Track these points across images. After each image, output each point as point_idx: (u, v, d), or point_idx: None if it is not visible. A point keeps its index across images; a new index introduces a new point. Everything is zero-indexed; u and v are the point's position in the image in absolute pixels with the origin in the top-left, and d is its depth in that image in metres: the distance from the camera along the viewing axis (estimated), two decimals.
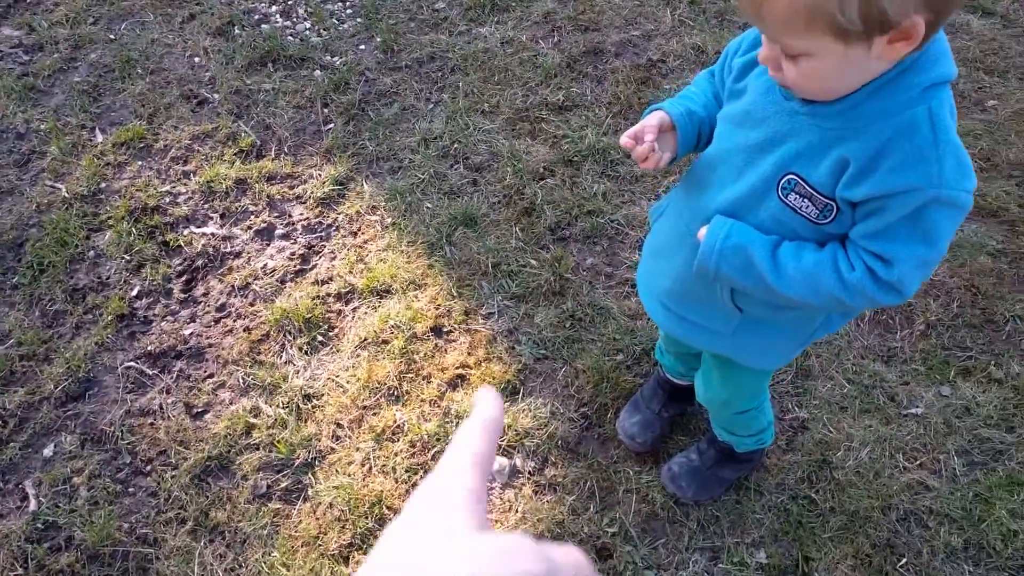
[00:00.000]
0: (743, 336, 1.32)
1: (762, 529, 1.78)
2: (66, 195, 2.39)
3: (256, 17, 3.01)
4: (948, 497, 1.82)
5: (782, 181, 1.08)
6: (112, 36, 2.93)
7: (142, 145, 2.54)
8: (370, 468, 1.84)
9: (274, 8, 3.06)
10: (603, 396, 1.95)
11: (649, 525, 1.78)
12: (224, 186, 2.43)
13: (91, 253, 2.28)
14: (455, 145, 2.54)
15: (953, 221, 1.00)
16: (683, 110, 1.23)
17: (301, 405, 1.96)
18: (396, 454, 1.86)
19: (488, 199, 2.39)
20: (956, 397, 1.99)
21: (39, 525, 1.77)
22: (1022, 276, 2.24)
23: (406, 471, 1.83)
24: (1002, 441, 1.91)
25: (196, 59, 2.83)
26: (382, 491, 1.80)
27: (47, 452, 1.89)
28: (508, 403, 1.94)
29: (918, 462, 1.88)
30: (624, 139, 1.18)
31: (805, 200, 1.07)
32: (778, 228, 1.12)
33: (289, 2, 3.09)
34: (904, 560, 1.73)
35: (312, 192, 2.44)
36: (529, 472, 1.84)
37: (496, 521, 1.76)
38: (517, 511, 1.77)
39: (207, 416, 1.96)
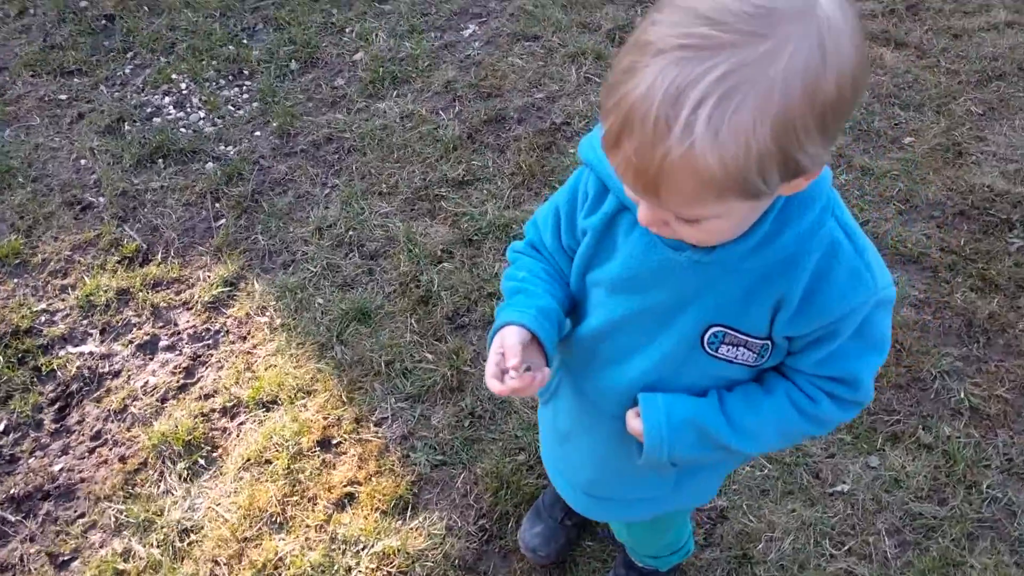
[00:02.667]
0: (684, 487, 1.20)
1: None
2: None
3: (148, 111, 2.90)
4: None
5: (707, 336, 0.96)
6: None
7: (18, 261, 2.40)
8: None
9: (167, 99, 2.95)
10: (503, 504, 1.80)
11: None
12: (105, 298, 2.29)
13: None
14: (350, 232, 2.42)
15: (889, 316, 0.95)
16: (534, 312, 1.02)
17: (177, 543, 1.79)
18: None
19: (383, 288, 2.26)
20: (885, 468, 1.86)
21: None
22: (947, 327, 2.13)
23: None
24: (934, 515, 1.77)
25: (82, 161, 2.71)
26: None
27: None
28: (400, 522, 1.79)
29: (846, 547, 1.74)
30: (495, 385, 0.96)
31: (740, 348, 0.96)
32: (712, 382, 1.02)
33: (184, 91, 2.98)
34: None
35: (200, 296, 2.30)
36: None
37: None
38: None
39: (73, 565, 1.79)
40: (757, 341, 0.95)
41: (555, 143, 2.67)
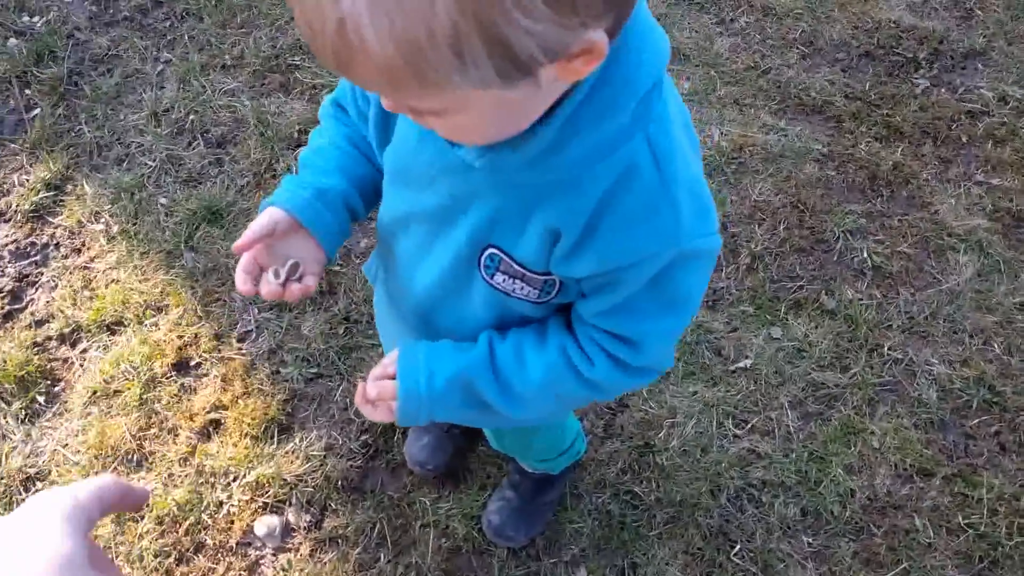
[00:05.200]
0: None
1: (582, 540, 1.55)
2: None
3: None
4: (782, 462, 1.63)
5: (483, 258, 0.77)
6: None
7: None
8: (112, 560, 1.50)
9: None
10: None
11: (453, 563, 1.52)
12: None
13: None
14: (191, 116, 2.07)
15: (704, 272, 0.78)
16: (310, 195, 0.85)
17: (21, 494, 1.58)
18: (142, 536, 1.52)
19: (235, 181, 1.96)
20: (787, 338, 1.78)
21: None
22: (851, 181, 2.01)
23: (155, 556, 1.50)
24: (836, 383, 1.72)
25: None
26: None
27: None
28: (274, 446, 1.62)
29: (749, 425, 1.68)
30: (242, 285, 0.81)
31: (517, 281, 0.77)
32: (501, 314, 0.83)
33: None
34: (737, 547, 1.55)
35: (19, 205, 1.95)
36: (305, 527, 1.54)
37: None
38: None
39: None
40: (537, 276, 0.76)
41: None
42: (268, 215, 0.82)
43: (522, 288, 0.77)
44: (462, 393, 0.83)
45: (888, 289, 1.86)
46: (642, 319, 0.75)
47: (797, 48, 2.25)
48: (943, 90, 2.19)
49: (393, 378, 0.84)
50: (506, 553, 1.53)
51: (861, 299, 1.83)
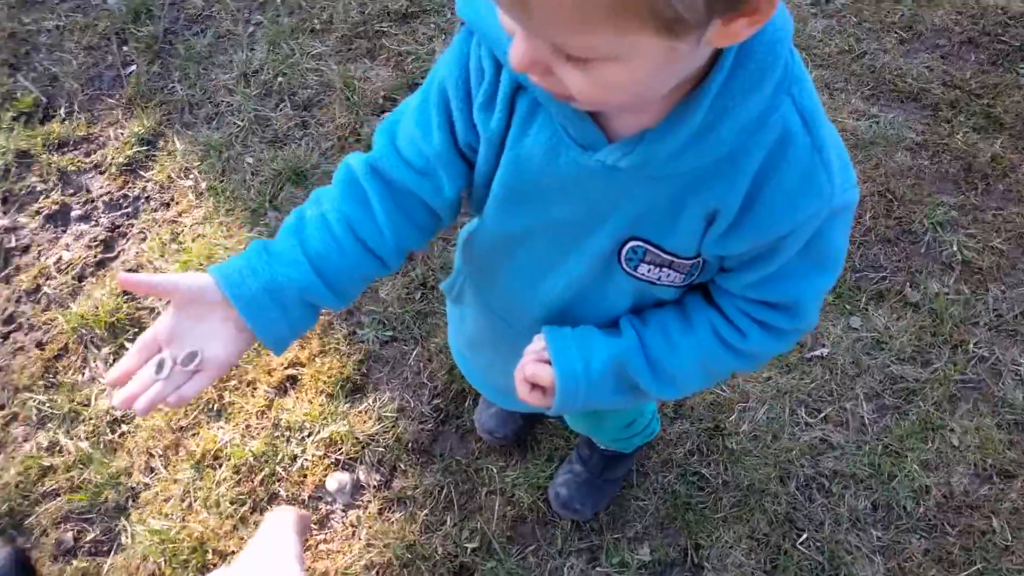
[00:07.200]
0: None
1: (646, 518, 1.55)
2: None
3: None
4: (854, 454, 1.60)
5: (624, 251, 0.75)
6: None
7: None
8: (190, 504, 1.57)
9: None
10: (459, 382, 1.67)
11: (516, 531, 1.55)
12: (3, 163, 2.01)
13: None
14: (279, 79, 2.11)
15: (848, 226, 0.76)
16: (263, 284, 0.75)
17: (108, 435, 1.66)
18: (219, 483, 1.58)
19: (319, 144, 2.00)
20: (866, 329, 1.73)
21: None
22: (944, 172, 1.93)
23: (231, 503, 1.56)
24: (916, 378, 1.67)
25: None
26: (204, 531, 1.53)
27: None
28: (348, 405, 1.66)
29: (822, 415, 1.65)
30: (114, 370, 0.75)
31: (663, 269, 0.76)
32: (636, 300, 0.83)
33: None
34: (804, 536, 1.53)
35: (113, 158, 2.02)
36: (375, 486, 1.58)
37: (338, 552, 1.52)
38: (360, 537, 1.53)
39: None
40: (685, 262, 0.75)
41: None
42: (199, 279, 0.75)
43: (668, 275, 0.76)
44: (615, 379, 0.81)
45: (977, 285, 1.79)
46: (797, 283, 0.74)
47: (895, 32, 2.17)
48: None
49: (547, 363, 0.81)
50: (570, 525, 1.54)
51: (947, 293, 1.77)
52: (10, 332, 1.81)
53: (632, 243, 0.75)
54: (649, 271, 0.76)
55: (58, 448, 1.64)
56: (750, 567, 1.49)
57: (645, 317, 0.83)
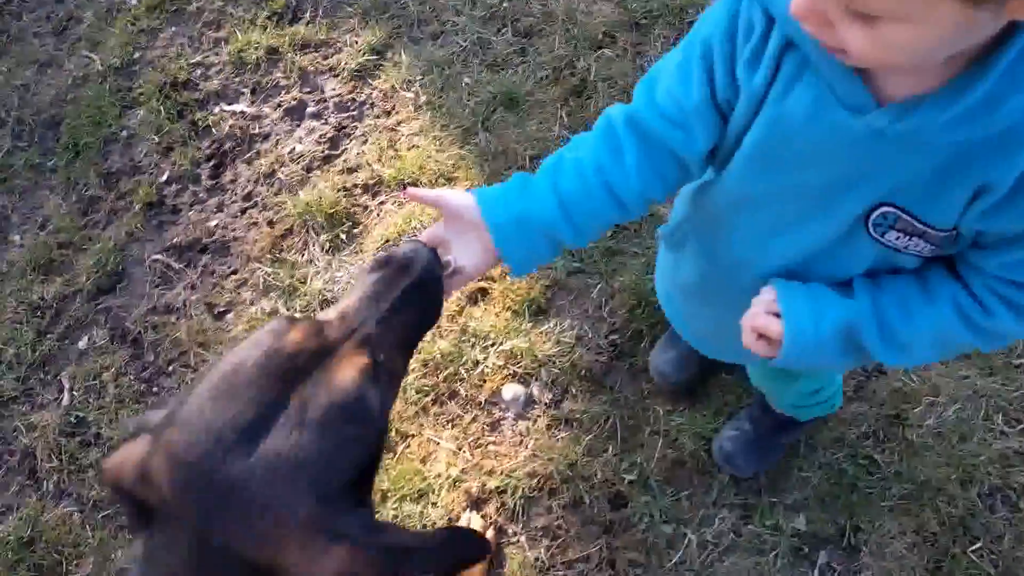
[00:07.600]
0: None
1: (807, 490, 1.54)
2: (100, 67, 2.28)
3: None
4: None
5: (874, 216, 0.75)
6: None
7: (174, 8, 2.36)
8: None
9: None
10: (639, 321, 1.71)
11: (674, 474, 1.59)
12: (255, 56, 2.22)
13: (124, 133, 2.19)
14: (504, 4, 2.17)
15: None
16: (510, 217, 0.85)
17: (319, 311, 1.85)
18: (408, 373, 1.74)
19: (535, 73, 2.05)
20: None
21: (71, 419, 1.82)
22: None
23: (416, 392, 1.71)
24: None
25: None
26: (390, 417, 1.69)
27: (81, 345, 1.93)
28: (531, 324, 1.74)
29: (1021, 426, 1.54)
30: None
31: (914, 238, 0.75)
32: (873, 265, 0.82)
33: None
34: (979, 544, 1.46)
35: (346, 63, 2.19)
36: (546, 403, 1.67)
37: (504, 455, 1.63)
38: (527, 447, 1.63)
39: (228, 317, 1.90)
40: (939, 233, 0.72)
41: None
42: (465, 199, 0.87)
43: (916, 244, 0.75)
44: (844, 341, 0.81)
45: None
46: None
47: None
48: None
49: (777, 316, 0.82)
50: (728, 479, 1.56)
51: None
52: (247, 208, 2.04)
53: (883, 208, 0.74)
54: (897, 238, 0.75)
55: (277, 315, 1.86)
56: (911, 562, 1.45)
57: (881, 282, 0.82)
